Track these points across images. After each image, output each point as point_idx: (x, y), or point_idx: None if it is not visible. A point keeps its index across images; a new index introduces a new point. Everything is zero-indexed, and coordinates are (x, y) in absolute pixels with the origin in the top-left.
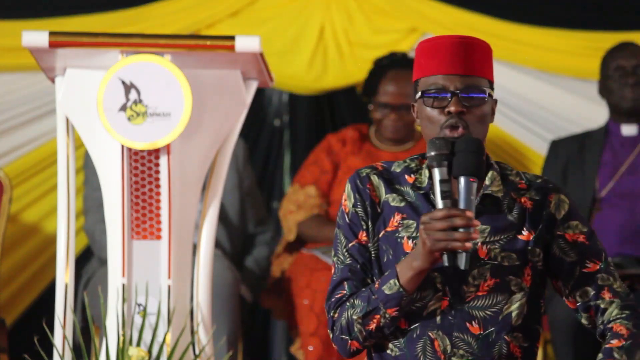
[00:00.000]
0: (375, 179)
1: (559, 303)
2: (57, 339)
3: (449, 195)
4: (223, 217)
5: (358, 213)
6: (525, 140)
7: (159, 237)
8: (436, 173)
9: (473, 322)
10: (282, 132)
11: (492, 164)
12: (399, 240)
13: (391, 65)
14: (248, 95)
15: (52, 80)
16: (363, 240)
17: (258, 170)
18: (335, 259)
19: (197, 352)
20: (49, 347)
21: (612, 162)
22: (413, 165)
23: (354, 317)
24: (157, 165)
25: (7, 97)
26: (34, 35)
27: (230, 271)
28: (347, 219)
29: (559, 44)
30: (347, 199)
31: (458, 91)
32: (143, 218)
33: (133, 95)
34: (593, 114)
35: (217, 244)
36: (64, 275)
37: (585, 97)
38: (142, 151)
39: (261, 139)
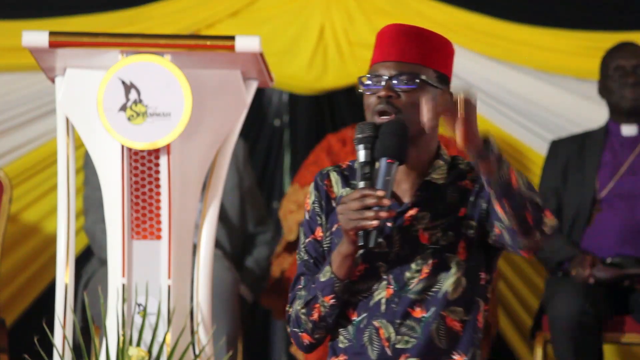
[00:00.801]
0: (334, 175)
1: (559, 303)
2: (57, 339)
3: (369, 177)
4: (223, 217)
5: (315, 209)
6: (525, 140)
7: (159, 237)
8: (359, 155)
9: (415, 307)
10: (282, 132)
11: (441, 154)
12: None
13: None
14: (248, 95)
15: (52, 80)
16: (319, 236)
17: (258, 170)
18: (297, 256)
19: (197, 352)
20: (49, 347)
21: (612, 162)
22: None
23: (298, 307)
24: (157, 165)
25: (7, 97)
26: (34, 35)
27: (230, 271)
28: (307, 216)
29: (559, 44)
30: (309, 197)
31: (389, 77)
32: (143, 218)
33: (133, 95)
34: (593, 114)
35: (217, 244)
36: (64, 275)
37: (585, 97)
38: (142, 151)
39: (261, 139)
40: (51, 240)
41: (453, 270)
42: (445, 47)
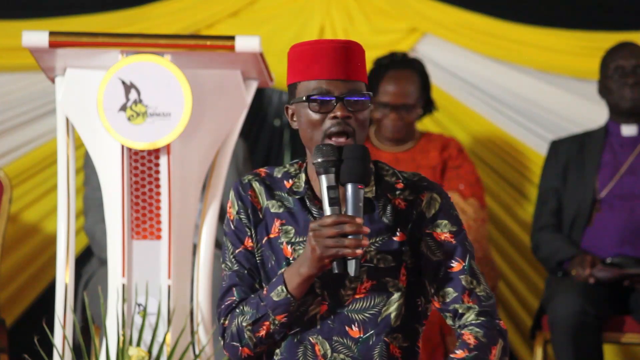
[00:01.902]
0: (256, 185)
1: (559, 303)
2: (57, 339)
3: (337, 202)
4: (223, 217)
5: (242, 220)
6: (525, 140)
7: (159, 237)
8: (323, 180)
9: (352, 326)
10: (282, 132)
11: None
12: (280, 246)
13: (391, 65)
14: (248, 95)
15: (52, 80)
16: (249, 246)
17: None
18: (223, 266)
19: (197, 352)
20: (49, 347)
21: (612, 162)
22: (292, 170)
23: (244, 324)
24: (157, 165)
25: (7, 97)
26: (34, 35)
27: None
28: (232, 226)
29: (559, 44)
30: (231, 207)
31: (343, 95)
32: (143, 218)
33: (133, 95)
34: (593, 114)
35: (217, 244)
36: (64, 275)
37: (585, 97)
38: (142, 151)
39: (261, 139)
40: (51, 240)
41: (395, 296)
42: (364, 57)
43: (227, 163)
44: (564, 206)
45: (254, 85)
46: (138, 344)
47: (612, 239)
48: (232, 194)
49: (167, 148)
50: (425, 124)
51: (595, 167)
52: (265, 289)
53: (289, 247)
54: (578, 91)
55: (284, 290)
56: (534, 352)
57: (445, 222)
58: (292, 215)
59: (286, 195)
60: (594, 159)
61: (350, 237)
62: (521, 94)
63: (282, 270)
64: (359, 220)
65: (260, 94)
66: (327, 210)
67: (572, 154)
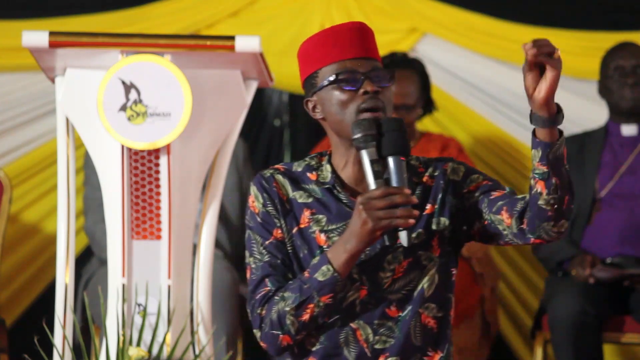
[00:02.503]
0: (279, 177)
1: (559, 303)
2: (57, 339)
3: (381, 175)
4: (223, 217)
5: (269, 212)
6: (525, 140)
7: (159, 237)
8: (365, 154)
9: (391, 306)
10: (282, 132)
11: None
12: (312, 235)
13: (391, 65)
14: (248, 95)
15: (52, 80)
16: (279, 237)
17: (258, 170)
18: (251, 260)
19: (197, 352)
20: (49, 347)
21: (612, 162)
22: (313, 162)
23: (286, 309)
24: (157, 165)
25: (7, 97)
26: (34, 35)
27: (229, 271)
28: (258, 219)
29: (559, 44)
30: (255, 200)
31: (368, 72)
32: (143, 218)
33: (133, 95)
34: (593, 114)
35: (217, 244)
36: (64, 275)
37: (585, 97)
38: (142, 151)
39: (261, 139)
40: (51, 240)
41: (428, 267)
42: (374, 37)
43: (227, 163)
44: None
45: (254, 85)
46: (138, 344)
47: (612, 238)
48: (254, 188)
49: (167, 148)
50: (425, 124)
51: (595, 167)
52: (306, 272)
53: (322, 235)
54: (578, 91)
55: (330, 269)
56: (534, 352)
57: (477, 175)
58: (322, 204)
59: (312, 186)
60: (594, 158)
61: (400, 207)
62: (521, 94)
63: (325, 251)
64: (407, 190)
65: (260, 94)
66: (372, 183)
67: (572, 154)
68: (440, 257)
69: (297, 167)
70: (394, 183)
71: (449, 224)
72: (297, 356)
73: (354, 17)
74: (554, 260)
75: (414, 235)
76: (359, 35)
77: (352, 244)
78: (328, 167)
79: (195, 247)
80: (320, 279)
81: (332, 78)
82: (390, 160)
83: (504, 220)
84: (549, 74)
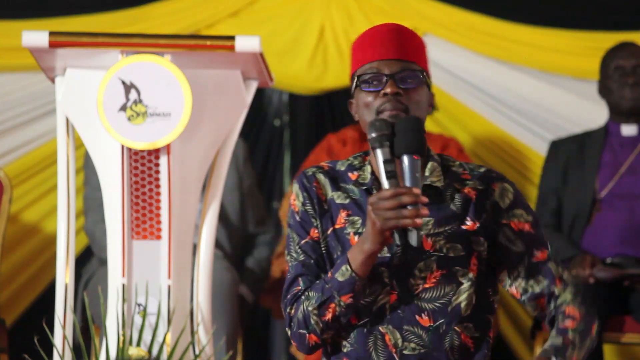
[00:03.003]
0: (321, 177)
1: None
2: (57, 339)
3: (394, 175)
4: (223, 217)
5: (307, 211)
6: (525, 140)
7: (159, 237)
8: (379, 154)
9: (422, 315)
10: (282, 132)
11: (432, 155)
12: (346, 236)
13: None
14: (248, 95)
15: (52, 80)
16: (315, 237)
17: (258, 170)
18: (288, 258)
19: (197, 352)
20: (49, 347)
21: (612, 162)
22: (356, 162)
23: (310, 308)
24: (157, 165)
25: (7, 97)
26: (34, 35)
27: (229, 271)
28: (297, 218)
29: (559, 44)
30: (295, 199)
31: (393, 73)
32: (143, 218)
33: (133, 95)
34: (593, 114)
35: (217, 244)
36: (64, 275)
37: (585, 97)
38: (142, 151)
39: (261, 139)
40: (51, 240)
41: (465, 285)
42: (424, 46)
43: (227, 163)
44: (564, 206)
45: (254, 85)
46: (138, 344)
47: (612, 239)
48: (295, 186)
49: (167, 148)
50: (426, 124)
51: (595, 167)
52: (329, 272)
53: (356, 237)
54: (578, 91)
55: (348, 269)
56: (534, 352)
57: (522, 211)
58: (358, 206)
59: (351, 186)
60: (594, 158)
61: (409, 207)
62: (521, 94)
63: (347, 251)
64: (416, 190)
65: (260, 94)
66: (385, 183)
67: (572, 154)
68: (478, 277)
69: (341, 165)
70: (406, 182)
71: (487, 246)
72: (331, 355)
73: (354, 17)
74: None
75: (443, 242)
76: (393, 37)
77: (367, 244)
78: (369, 167)
79: (195, 247)
80: (340, 279)
81: (358, 80)
82: (403, 159)
83: (536, 307)
84: None
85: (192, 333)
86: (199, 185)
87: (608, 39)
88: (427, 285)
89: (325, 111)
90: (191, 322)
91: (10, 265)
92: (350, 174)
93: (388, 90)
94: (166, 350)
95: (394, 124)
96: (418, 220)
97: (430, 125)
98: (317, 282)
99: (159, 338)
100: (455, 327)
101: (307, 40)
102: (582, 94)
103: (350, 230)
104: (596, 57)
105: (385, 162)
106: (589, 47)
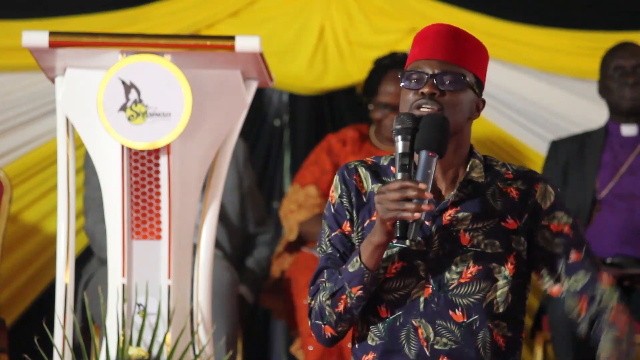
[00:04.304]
0: (362, 170)
1: (559, 303)
2: (57, 339)
3: (407, 169)
4: (223, 217)
5: (343, 203)
6: (525, 140)
7: (159, 237)
8: (398, 146)
9: (456, 310)
10: (282, 132)
11: (475, 152)
12: None
13: (391, 65)
14: (248, 95)
15: (52, 80)
16: (346, 231)
17: (258, 170)
18: (318, 249)
19: (197, 352)
20: (49, 347)
21: (612, 162)
22: None
23: (324, 299)
24: (157, 165)
25: (7, 97)
26: (34, 35)
27: (229, 272)
28: (332, 210)
29: (559, 44)
30: (334, 190)
31: (433, 74)
32: (143, 218)
33: (133, 95)
34: (593, 114)
35: (217, 244)
36: (64, 275)
37: (585, 97)
38: (142, 151)
39: (261, 139)
40: (51, 240)
41: (501, 282)
42: (483, 53)
43: (227, 163)
44: None
45: (254, 85)
46: (138, 344)
47: (612, 239)
48: (336, 178)
49: (167, 148)
50: None
51: (595, 167)
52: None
53: None
54: (578, 91)
55: (358, 260)
56: (534, 352)
57: (562, 214)
58: None
59: (392, 179)
60: (594, 159)
61: (414, 201)
62: (521, 94)
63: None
64: (422, 185)
65: (260, 94)
66: (398, 176)
67: (572, 154)
68: (515, 277)
69: (384, 160)
70: (418, 177)
71: (527, 246)
72: (358, 350)
73: (354, 17)
74: None
75: (481, 238)
76: (445, 38)
77: (375, 236)
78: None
79: (195, 247)
80: (350, 270)
81: (401, 76)
82: (420, 154)
83: (576, 306)
84: None
85: (192, 333)
86: (199, 185)
87: (608, 39)
88: (462, 280)
89: (325, 111)
90: (191, 322)
91: (10, 265)
92: (392, 167)
93: (426, 90)
94: (166, 350)
95: (420, 119)
96: (416, 214)
97: None
98: (334, 272)
99: (159, 338)
100: (489, 324)
101: (307, 40)
102: (582, 94)
103: None
104: (596, 57)
105: (402, 155)
106: (589, 47)
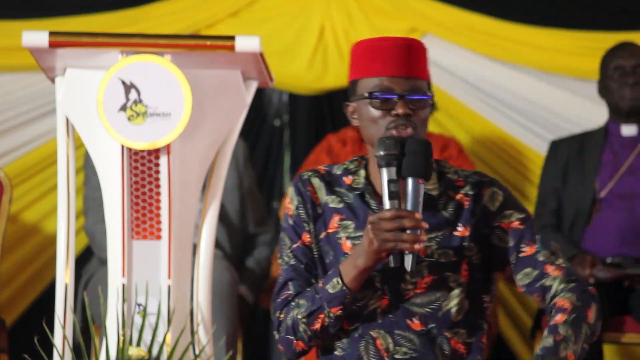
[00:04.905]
0: (316, 181)
1: None
2: (57, 339)
3: (397, 196)
4: (223, 217)
5: (300, 215)
6: (525, 140)
7: (159, 237)
8: (384, 173)
9: (414, 319)
10: (282, 132)
11: None
12: (338, 241)
13: None
14: (248, 95)
15: (52, 80)
16: (306, 242)
17: (258, 170)
18: (280, 261)
19: (197, 352)
20: (49, 347)
21: (612, 162)
22: (352, 166)
23: (299, 316)
24: (157, 165)
25: (7, 97)
26: (34, 35)
27: (229, 271)
28: (290, 221)
29: (559, 44)
30: (290, 202)
31: (404, 93)
32: (143, 218)
33: (133, 95)
34: (593, 114)
35: (217, 244)
36: (64, 275)
37: (585, 97)
38: (142, 151)
39: (261, 139)
40: (51, 240)
41: (456, 291)
42: (426, 52)
43: (227, 163)
44: (563, 206)
45: (254, 85)
46: (138, 344)
47: (612, 238)
48: (290, 189)
49: (167, 148)
50: None
51: (595, 167)
52: (320, 281)
53: (348, 242)
54: (578, 91)
55: (340, 282)
56: (534, 352)
57: (512, 211)
58: (351, 210)
59: (345, 191)
60: (594, 159)
61: (408, 231)
62: (521, 94)
63: (340, 263)
64: (418, 215)
65: (260, 94)
66: (387, 203)
67: (572, 154)
68: (469, 284)
69: (337, 169)
70: (409, 206)
71: (479, 252)
72: (322, 354)
73: (354, 17)
74: None
75: (435, 248)
76: (405, 53)
77: (361, 260)
78: (363, 172)
79: (195, 247)
80: (331, 291)
81: (366, 93)
82: (408, 182)
83: (534, 299)
84: None
85: (192, 333)
86: (199, 185)
87: (608, 39)
88: (417, 290)
89: (325, 111)
90: (191, 322)
91: (10, 265)
92: (345, 178)
93: (400, 111)
94: (166, 350)
95: (405, 143)
96: (417, 246)
97: (430, 125)
98: (308, 290)
99: (159, 338)
100: (446, 333)
101: (307, 40)
102: (582, 94)
103: (342, 234)
104: (596, 57)
105: (390, 182)
106: (589, 47)
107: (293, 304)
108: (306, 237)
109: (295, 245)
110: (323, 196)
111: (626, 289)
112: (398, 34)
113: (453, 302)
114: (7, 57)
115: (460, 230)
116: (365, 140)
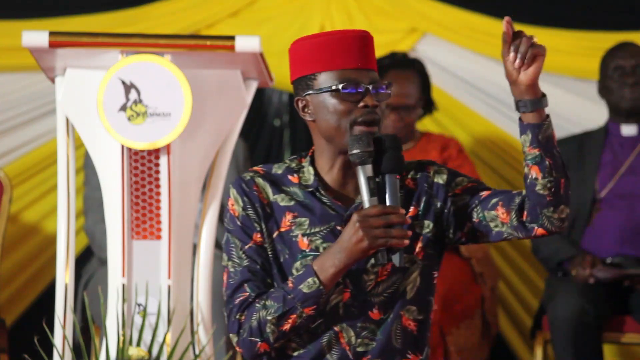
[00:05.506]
0: (260, 181)
1: (559, 303)
2: (57, 339)
3: (376, 193)
4: (223, 217)
5: (249, 215)
6: None
7: (159, 237)
8: (361, 171)
9: (374, 309)
10: (282, 132)
11: None
12: (294, 239)
13: (392, 65)
14: (248, 95)
15: (52, 80)
16: (258, 241)
17: None
18: (229, 263)
19: (197, 352)
20: (49, 347)
21: (612, 162)
22: (293, 165)
23: (268, 317)
24: (157, 165)
25: (7, 97)
26: (34, 35)
27: None
28: (238, 223)
29: (559, 44)
30: (234, 204)
31: (371, 85)
32: (143, 218)
33: (133, 95)
34: (593, 114)
35: (217, 244)
36: (64, 275)
37: (585, 97)
38: (142, 151)
39: (261, 139)
40: (51, 240)
41: (410, 269)
42: (374, 45)
43: (227, 163)
44: None
45: (254, 85)
46: (138, 344)
47: (612, 238)
48: (233, 191)
49: (167, 148)
50: (425, 124)
51: (595, 167)
52: (289, 282)
53: (304, 239)
54: (578, 91)
55: (317, 282)
56: (534, 352)
57: (461, 178)
58: (304, 207)
59: (294, 189)
60: (594, 159)
61: (396, 227)
62: None
63: (309, 262)
64: (402, 210)
65: (260, 94)
66: (367, 201)
67: (572, 154)
68: (423, 260)
69: (277, 169)
70: (389, 202)
71: (432, 227)
72: None
73: (353, 17)
74: (554, 260)
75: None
76: (362, 45)
77: (341, 259)
78: (310, 169)
79: (195, 247)
80: (306, 290)
81: (334, 86)
82: (387, 179)
83: (499, 216)
84: (537, 58)
85: (192, 333)
86: (199, 185)
87: (608, 39)
88: (379, 279)
89: None
90: (191, 322)
91: (10, 265)
92: (290, 177)
93: (369, 102)
94: (166, 350)
95: (379, 140)
96: (405, 241)
97: (430, 126)
98: (274, 290)
99: (159, 338)
100: (400, 312)
101: None
102: (582, 94)
103: (297, 232)
104: (596, 57)
105: (369, 179)
106: (589, 47)
107: (258, 305)
108: (257, 237)
109: (247, 246)
110: (270, 195)
111: (626, 289)
112: (398, 34)
113: (409, 280)
114: (7, 57)
115: (411, 211)
116: (322, 134)
